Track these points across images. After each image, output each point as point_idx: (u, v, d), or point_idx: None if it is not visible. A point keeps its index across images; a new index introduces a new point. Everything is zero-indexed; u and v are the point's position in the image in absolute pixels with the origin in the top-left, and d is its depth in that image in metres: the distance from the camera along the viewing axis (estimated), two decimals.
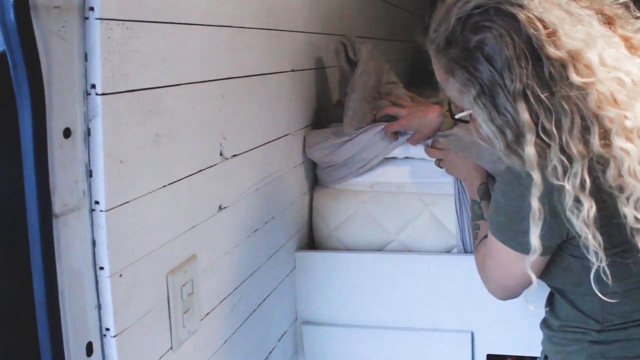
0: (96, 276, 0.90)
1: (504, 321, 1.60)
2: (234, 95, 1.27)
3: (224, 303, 1.27)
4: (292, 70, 1.60)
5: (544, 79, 0.94)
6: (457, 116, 1.12)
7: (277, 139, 1.52)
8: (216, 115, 1.21)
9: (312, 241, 1.79)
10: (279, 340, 1.62)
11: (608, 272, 0.97)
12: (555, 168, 0.95)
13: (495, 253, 1.13)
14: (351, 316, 1.69)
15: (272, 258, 1.54)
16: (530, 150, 0.95)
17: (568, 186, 0.95)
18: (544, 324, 1.24)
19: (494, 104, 0.96)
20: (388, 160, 1.65)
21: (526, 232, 1.00)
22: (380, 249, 1.69)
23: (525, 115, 0.94)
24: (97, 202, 0.88)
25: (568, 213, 0.96)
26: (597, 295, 1.01)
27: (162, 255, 1.03)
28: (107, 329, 0.91)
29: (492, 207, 1.12)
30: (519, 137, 0.96)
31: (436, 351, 1.64)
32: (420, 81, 3.42)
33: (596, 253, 0.97)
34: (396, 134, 1.63)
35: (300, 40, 1.67)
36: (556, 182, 0.95)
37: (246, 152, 1.34)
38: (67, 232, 0.84)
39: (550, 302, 1.24)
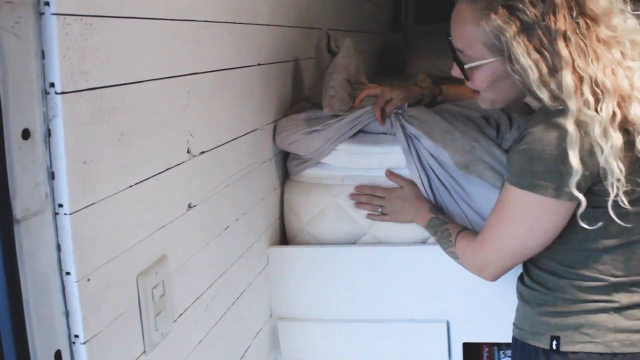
0: (63, 282, 0.87)
1: (478, 310, 1.61)
2: (199, 91, 1.24)
3: (197, 303, 1.25)
4: (259, 64, 1.58)
5: (581, 28, 1.12)
6: (467, 66, 1.24)
7: (245, 134, 1.50)
8: (182, 112, 1.18)
9: (284, 236, 1.77)
10: (255, 337, 1.60)
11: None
12: (587, 100, 1.09)
13: (518, 211, 1.19)
14: (327, 310, 1.68)
15: (245, 255, 1.52)
16: (568, 80, 1.09)
17: (599, 116, 1.08)
18: (549, 310, 1.24)
19: (532, 40, 1.12)
20: (359, 153, 1.64)
21: (568, 175, 1.09)
22: (353, 243, 1.68)
23: (564, 52, 1.11)
24: (60, 205, 0.85)
25: (595, 145, 1.09)
26: None
27: (132, 257, 1.01)
28: (76, 336, 0.88)
29: (525, 159, 1.14)
30: (553, 71, 1.12)
31: (413, 342, 1.64)
32: (388, 72, 3.43)
33: (615, 184, 1.09)
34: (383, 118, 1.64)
35: (266, 34, 1.64)
36: (589, 112, 1.08)
37: (214, 148, 1.32)
38: (30, 238, 0.81)
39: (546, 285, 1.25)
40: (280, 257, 1.69)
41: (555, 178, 1.12)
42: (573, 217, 1.16)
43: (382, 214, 1.60)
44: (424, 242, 1.64)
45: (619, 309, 1.17)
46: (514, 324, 1.33)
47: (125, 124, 0.98)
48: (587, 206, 1.13)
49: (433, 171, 1.57)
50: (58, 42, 0.81)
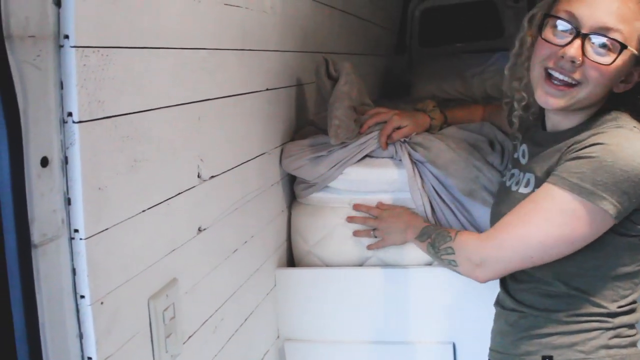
0: (77, 305, 0.89)
1: (484, 332, 1.60)
2: (210, 117, 1.27)
3: (206, 325, 1.27)
4: (267, 89, 1.61)
5: None
6: (628, 49, 1.14)
7: (254, 158, 1.52)
8: (193, 137, 1.21)
9: (291, 258, 1.79)
10: (262, 358, 1.61)
11: None
12: None
13: (557, 214, 1.14)
14: (333, 332, 1.69)
15: (253, 277, 1.53)
16: None
17: None
18: (539, 332, 1.23)
19: None
20: (365, 178, 1.66)
21: (626, 194, 1.09)
22: (359, 265, 1.69)
23: None
24: (76, 231, 0.87)
25: None
26: None
27: (143, 281, 1.03)
28: (90, 358, 0.90)
29: (591, 167, 1.10)
30: None
31: None
32: (393, 94, 3.44)
33: None
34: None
35: (274, 59, 1.67)
36: None
37: (224, 172, 1.34)
38: (47, 262, 0.83)
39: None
40: (287, 278, 1.70)
41: (616, 193, 1.09)
42: (597, 241, 1.15)
43: (375, 236, 1.62)
44: (430, 264, 1.65)
45: (612, 329, 1.19)
46: (494, 350, 1.32)
47: (138, 151, 1.00)
48: (617, 233, 1.15)
49: (438, 194, 1.59)
50: (76, 73, 0.84)
